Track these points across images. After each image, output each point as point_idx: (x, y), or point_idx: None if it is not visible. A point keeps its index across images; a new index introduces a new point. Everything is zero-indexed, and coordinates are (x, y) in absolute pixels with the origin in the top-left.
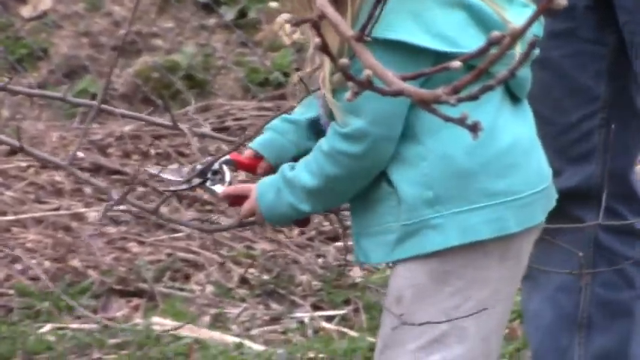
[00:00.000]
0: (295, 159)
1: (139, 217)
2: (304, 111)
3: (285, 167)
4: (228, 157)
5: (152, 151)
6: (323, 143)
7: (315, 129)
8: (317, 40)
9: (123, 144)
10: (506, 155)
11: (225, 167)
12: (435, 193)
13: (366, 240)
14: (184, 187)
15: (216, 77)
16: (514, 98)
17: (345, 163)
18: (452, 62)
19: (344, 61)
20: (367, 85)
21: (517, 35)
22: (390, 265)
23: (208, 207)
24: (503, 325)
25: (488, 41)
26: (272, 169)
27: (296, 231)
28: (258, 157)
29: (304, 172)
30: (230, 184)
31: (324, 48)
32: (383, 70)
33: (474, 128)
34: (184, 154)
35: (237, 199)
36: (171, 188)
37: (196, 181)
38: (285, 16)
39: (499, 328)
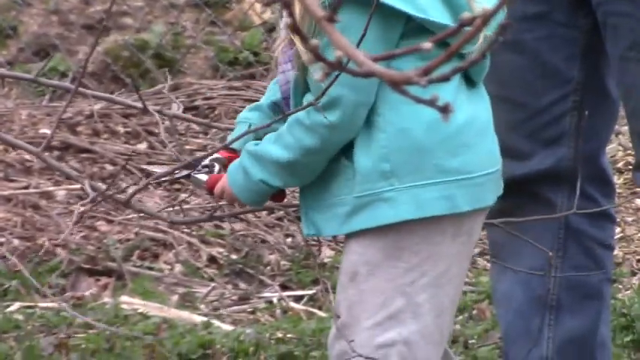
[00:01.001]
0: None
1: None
2: (268, 96)
3: (248, 144)
4: (218, 154)
5: (121, 130)
6: (302, 117)
7: (279, 111)
8: (287, 19)
9: (92, 122)
10: (460, 134)
11: (215, 164)
12: (391, 166)
13: (318, 213)
14: (170, 178)
15: (186, 56)
16: (470, 82)
17: (323, 133)
18: (423, 44)
19: (314, 41)
20: (338, 66)
21: (489, 17)
22: (341, 239)
23: (177, 186)
24: (455, 301)
25: (460, 22)
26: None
27: (264, 211)
28: (238, 153)
29: (276, 147)
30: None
31: (294, 28)
32: (354, 50)
33: (445, 109)
34: (153, 132)
35: (214, 184)
36: (164, 178)
37: (183, 172)
38: None
39: (452, 304)
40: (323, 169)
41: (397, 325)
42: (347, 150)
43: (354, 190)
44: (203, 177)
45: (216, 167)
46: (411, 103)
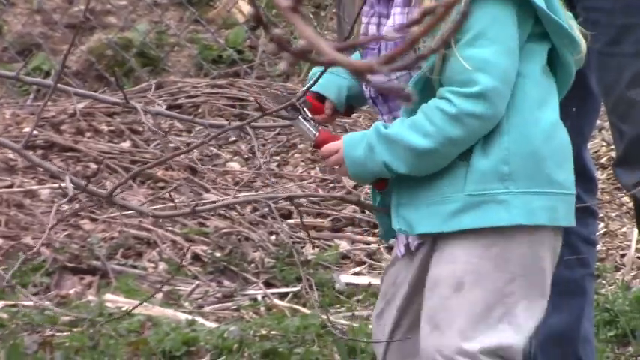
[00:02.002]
0: (348, 101)
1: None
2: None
3: (379, 125)
4: (305, 97)
5: (105, 129)
6: (446, 106)
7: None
8: (251, 10)
9: (76, 121)
10: (566, 148)
11: (304, 107)
12: (510, 169)
13: (412, 210)
14: (288, 120)
15: (170, 54)
16: None
17: (470, 124)
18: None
19: (278, 31)
20: (302, 55)
21: (451, 5)
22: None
23: (161, 184)
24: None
25: (423, 11)
26: (336, 110)
27: (248, 209)
28: (320, 99)
29: (413, 133)
30: (312, 121)
31: (257, 18)
32: (317, 40)
33: (408, 98)
34: (137, 131)
35: (324, 144)
36: (274, 110)
37: (295, 114)
38: None
39: (539, 319)
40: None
41: (496, 333)
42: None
43: (466, 189)
44: (312, 129)
45: (307, 112)
46: (534, 111)
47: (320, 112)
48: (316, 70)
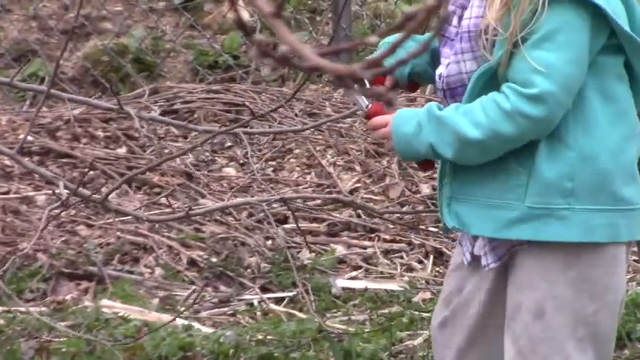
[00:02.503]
0: (410, 77)
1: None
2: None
3: (433, 105)
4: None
5: (101, 134)
6: (502, 101)
7: (434, 57)
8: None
9: (72, 127)
10: (633, 165)
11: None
12: (574, 185)
13: (468, 208)
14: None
15: (165, 60)
16: None
17: (522, 124)
18: (370, 37)
19: (261, 37)
20: (284, 61)
21: (431, 10)
22: (487, 262)
23: (157, 190)
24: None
25: (405, 16)
26: (397, 84)
27: (244, 214)
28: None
29: (464, 120)
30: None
31: (238, 23)
32: (299, 45)
33: (390, 103)
34: (133, 137)
35: (374, 116)
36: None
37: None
38: None
39: (615, 332)
40: (492, 161)
41: (580, 354)
42: (519, 155)
43: (527, 199)
44: (365, 100)
45: (366, 82)
46: (604, 127)
47: (379, 83)
48: (388, 40)
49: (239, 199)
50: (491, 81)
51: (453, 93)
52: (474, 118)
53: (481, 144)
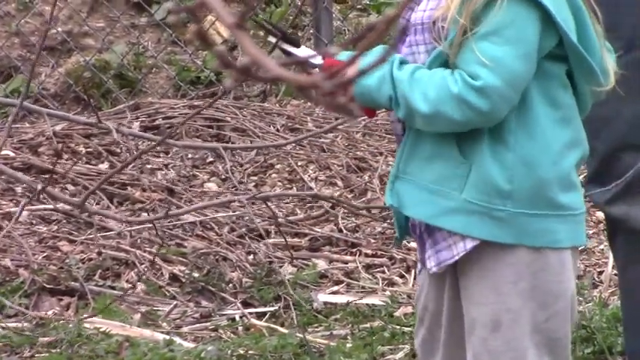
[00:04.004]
0: None
1: (68, 215)
2: None
3: (395, 60)
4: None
5: (82, 150)
6: (451, 83)
7: None
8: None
9: (53, 143)
10: (572, 172)
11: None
12: (512, 188)
13: (409, 189)
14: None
15: (147, 76)
16: None
17: (465, 113)
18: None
19: (221, 48)
20: (245, 72)
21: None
22: (432, 268)
23: (138, 205)
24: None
25: (367, 27)
26: None
27: (226, 229)
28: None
29: (417, 93)
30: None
31: (201, 35)
32: (262, 56)
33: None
34: (115, 152)
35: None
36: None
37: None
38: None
39: (570, 339)
40: (438, 147)
41: None
42: (464, 145)
43: (465, 192)
44: (318, 60)
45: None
46: (546, 132)
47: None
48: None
49: (220, 199)
50: (444, 66)
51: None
52: (425, 92)
53: (426, 117)
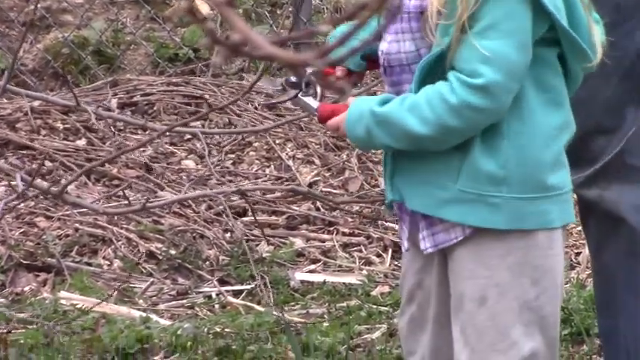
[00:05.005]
0: (368, 59)
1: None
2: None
3: (374, 105)
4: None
5: (60, 126)
6: (448, 94)
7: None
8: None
9: (31, 119)
10: (562, 153)
11: (313, 79)
12: (506, 174)
13: (408, 183)
14: (283, 98)
15: (126, 52)
16: None
17: (470, 117)
18: (320, 26)
19: (211, 24)
20: (236, 49)
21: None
22: (428, 247)
23: (116, 182)
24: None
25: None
26: (351, 71)
27: (203, 206)
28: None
29: (412, 118)
30: (322, 97)
31: (190, 12)
32: (252, 33)
33: (341, 91)
34: (92, 129)
35: (327, 117)
36: (272, 100)
37: (292, 92)
38: None
39: (559, 317)
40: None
41: (529, 340)
42: None
43: (459, 182)
44: (313, 102)
45: (318, 87)
46: (537, 116)
47: (331, 73)
48: (337, 31)
49: (197, 192)
50: (438, 66)
51: (392, 71)
52: (420, 114)
53: (432, 139)
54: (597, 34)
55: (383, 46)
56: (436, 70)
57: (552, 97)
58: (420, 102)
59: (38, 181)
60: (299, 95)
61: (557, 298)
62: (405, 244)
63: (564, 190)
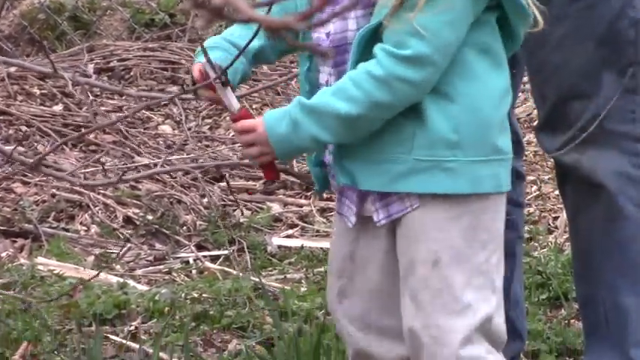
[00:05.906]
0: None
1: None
2: (244, 34)
3: (300, 98)
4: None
5: (37, 92)
6: (374, 68)
7: (258, 58)
8: None
9: (8, 85)
10: (506, 116)
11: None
12: (459, 137)
13: (359, 165)
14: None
15: (102, 18)
16: None
17: (399, 89)
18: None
19: None
20: (218, 13)
21: None
22: (381, 218)
23: (92, 147)
24: None
25: None
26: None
27: (180, 172)
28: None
29: (337, 100)
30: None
31: None
32: None
33: (325, 55)
34: (69, 94)
35: (241, 119)
36: (198, 85)
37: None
38: None
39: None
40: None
41: (483, 303)
42: (405, 109)
43: (413, 152)
44: (236, 104)
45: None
46: (483, 79)
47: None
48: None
49: (171, 167)
50: (372, 42)
51: (337, 51)
52: (347, 95)
53: (362, 119)
54: (532, 4)
55: (329, 28)
56: (373, 44)
57: (494, 60)
58: (344, 83)
59: (16, 148)
60: (228, 88)
61: (502, 263)
62: (352, 220)
63: (509, 156)
